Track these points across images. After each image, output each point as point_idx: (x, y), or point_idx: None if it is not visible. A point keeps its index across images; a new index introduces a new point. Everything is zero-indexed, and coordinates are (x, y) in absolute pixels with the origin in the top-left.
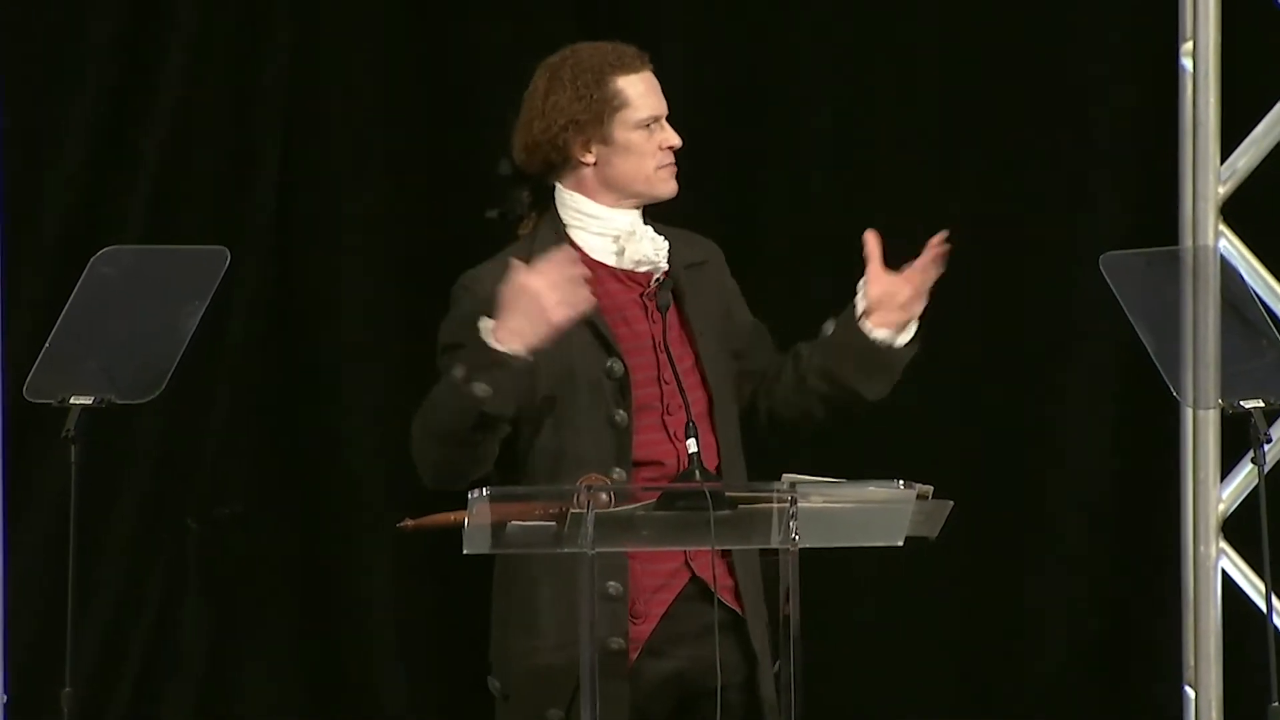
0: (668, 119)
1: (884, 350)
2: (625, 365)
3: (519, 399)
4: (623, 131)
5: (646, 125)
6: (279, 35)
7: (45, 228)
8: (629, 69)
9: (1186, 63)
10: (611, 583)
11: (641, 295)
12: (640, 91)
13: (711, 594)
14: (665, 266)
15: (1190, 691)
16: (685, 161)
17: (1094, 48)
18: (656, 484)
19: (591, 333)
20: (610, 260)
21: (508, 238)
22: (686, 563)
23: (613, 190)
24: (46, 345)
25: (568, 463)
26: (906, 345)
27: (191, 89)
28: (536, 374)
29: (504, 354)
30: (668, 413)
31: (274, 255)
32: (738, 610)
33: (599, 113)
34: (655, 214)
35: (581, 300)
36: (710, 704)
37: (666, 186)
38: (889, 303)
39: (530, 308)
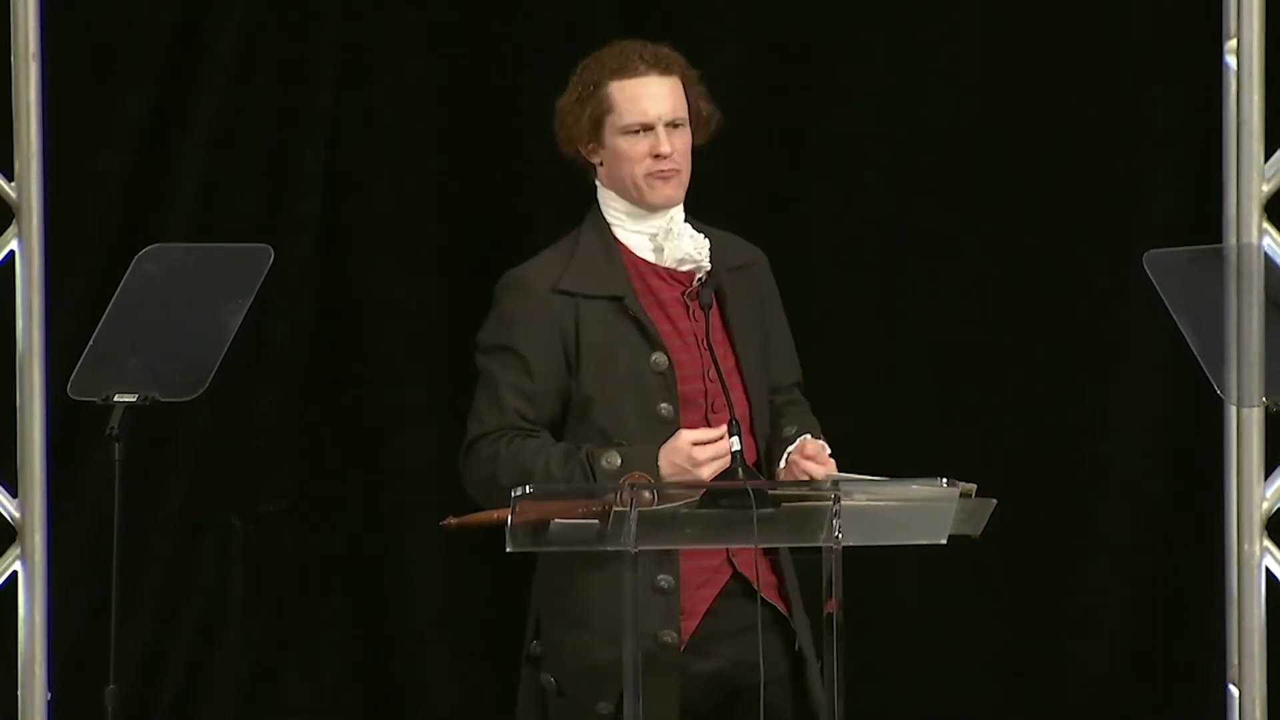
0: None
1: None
2: (670, 359)
3: None
4: (611, 136)
5: (634, 131)
6: (325, 34)
7: (90, 225)
8: (627, 73)
9: (1230, 61)
10: (663, 576)
11: (684, 293)
12: (628, 96)
13: (754, 591)
14: (708, 265)
15: (1234, 690)
16: (730, 161)
17: (1138, 46)
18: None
19: (636, 328)
20: (650, 257)
21: (552, 234)
22: (729, 559)
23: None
24: (90, 343)
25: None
26: None
27: (237, 87)
28: (569, 367)
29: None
30: (712, 410)
31: (318, 253)
32: (780, 608)
33: (593, 116)
34: (702, 214)
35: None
36: (753, 702)
37: (654, 194)
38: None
39: (683, 471)
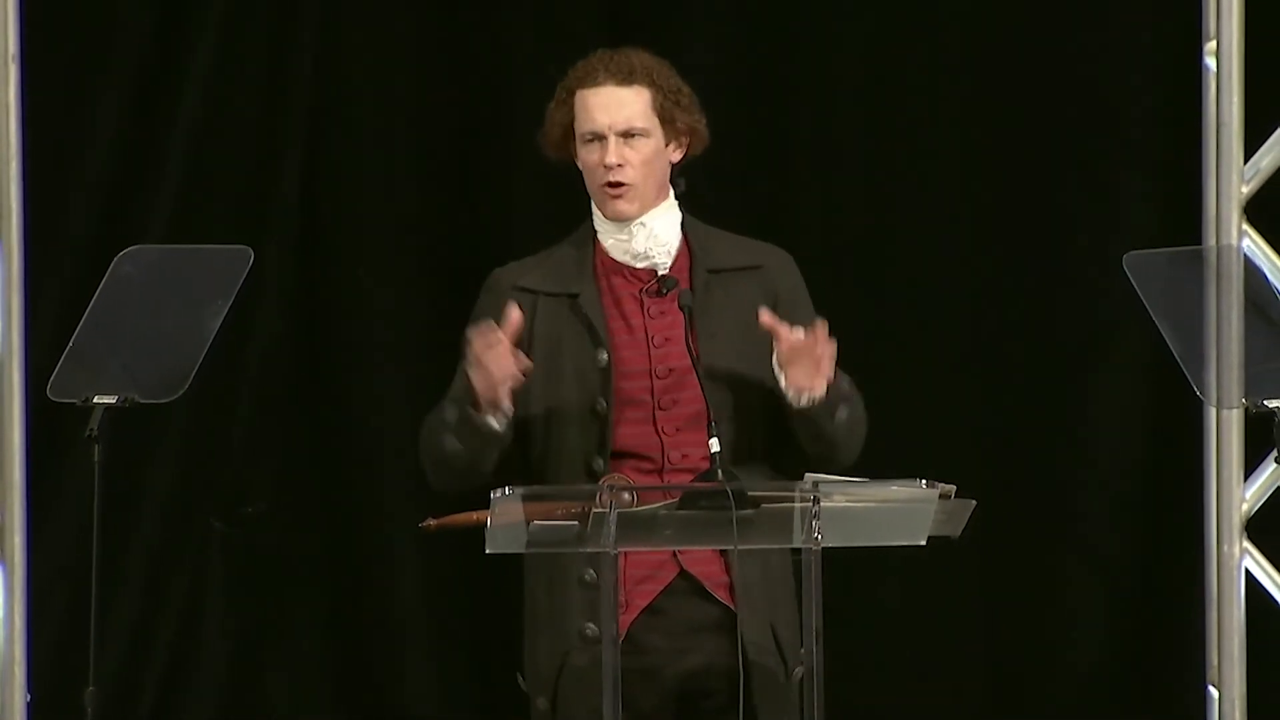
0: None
1: (801, 411)
2: (610, 357)
3: (498, 455)
4: (577, 145)
5: (589, 140)
6: (305, 35)
7: (69, 227)
8: (588, 83)
9: (1210, 62)
10: (589, 570)
11: (640, 291)
12: (585, 105)
13: (703, 590)
14: (663, 262)
15: (1213, 691)
16: (714, 160)
17: (1118, 47)
18: (654, 482)
19: (584, 325)
20: (618, 256)
21: (536, 237)
22: (675, 556)
23: None
24: (70, 344)
25: (553, 450)
26: (818, 407)
27: (216, 88)
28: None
29: (474, 418)
30: (660, 408)
31: (298, 255)
32: (731, 607)
33: (562, 124)
34: (707, 218)
35: (507, 365)
36: (694, 704)
37: (606, 208)
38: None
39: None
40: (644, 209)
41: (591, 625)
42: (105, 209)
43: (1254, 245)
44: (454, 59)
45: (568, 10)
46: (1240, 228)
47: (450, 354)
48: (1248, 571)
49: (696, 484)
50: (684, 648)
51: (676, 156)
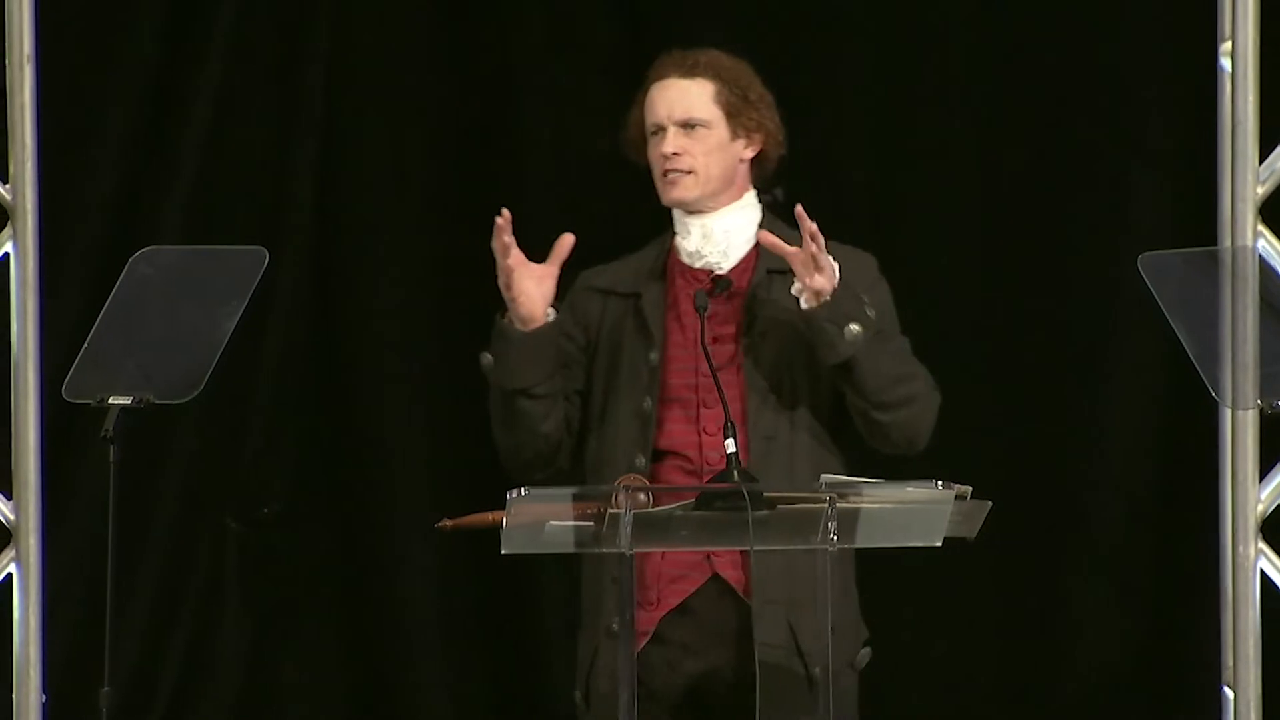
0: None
1: (808, 315)
2: (661, 356)
3: (536, 374)
4: (648, 137)
5: (654, 133)
6: (318, 37)
7: (85, 228)
8: (657, 78)
9: (1225, 63)
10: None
11: (695, 291)
12: (651, 100)
13: (734, 594)
14: (717, 262)
15: (1229, 692)
16: None
17: (1133, 47)
18: (690, 482)
19: (640, 325)
20: (680, 256)
21: (547, 239)
22: (708, 559)
23: None
24: (85, 345)
25: (605, 448)
26: (826, 312)
27: (231, 90)
28: (587, 359)
29: (501, 324)
30: (704, 406)
31: (313, 255)
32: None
33: (638, 121)
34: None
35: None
36: (712, 702)
37: (664, 195)
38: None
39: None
40: (704, 197)
41: (618, 621)
42: (120, 210)
43: (1269, 246)
44: (465, 61)
45: (578, 12)
46: (1255, 228)
47: (464, 354)
48: (1263, 572)
49: (712, 485)
50: (708, 647)
51: (748, 154)
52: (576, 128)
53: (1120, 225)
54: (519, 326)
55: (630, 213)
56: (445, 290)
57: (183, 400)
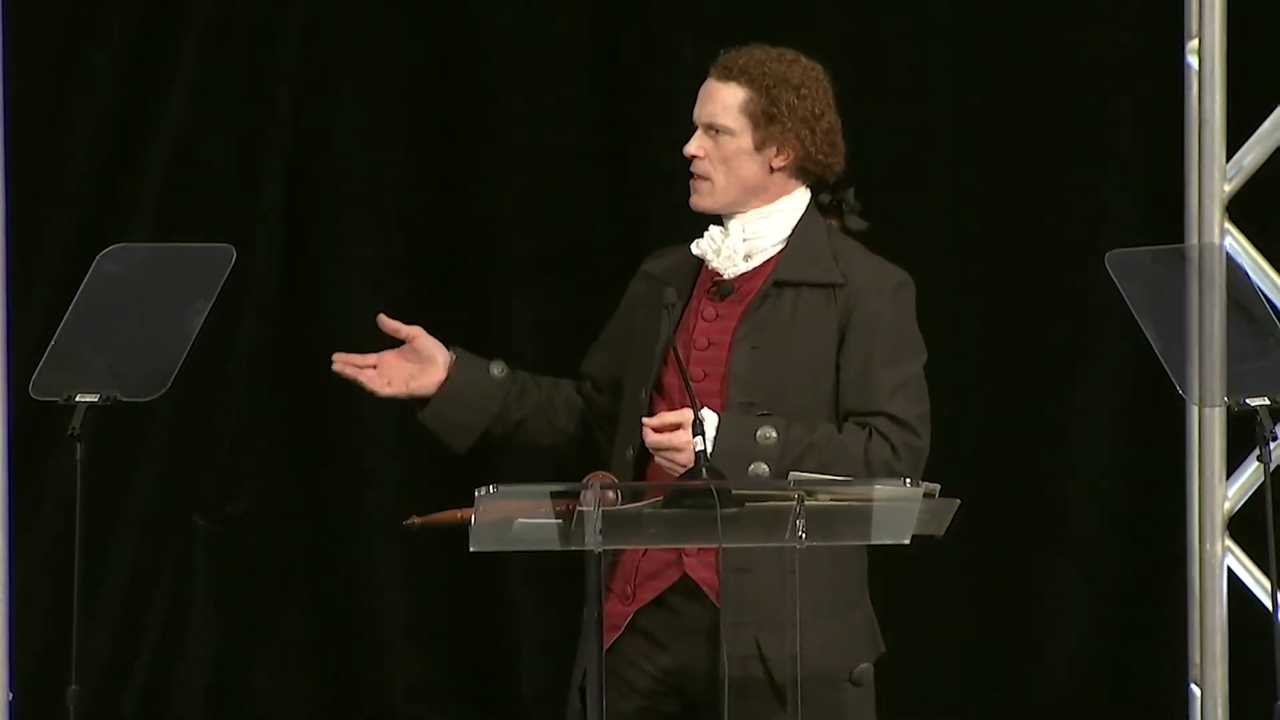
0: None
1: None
2: (663, 352)
3: (480, 424)
4: None
5: (695, 131)
6: (289, 33)
7: (52, 225)
8: (710, 74)
9: (1192, 60)
10: None
11: (705, 292)
12: (698, 96)
13: (700, 594)
14: (727, 269)
15: (1196, 689)
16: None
17: (1100, 45)
18: (663, 480)
19: (657, 318)
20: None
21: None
22: (680, 558)
23: None
24: (52, 343)
25: (619, 438)
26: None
27: (200, 87)
28: (625, 345)
29: (421, 418)
30: (682, 405)
31: (282, 254)
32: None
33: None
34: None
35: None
36: (679, 700)
37: (692, 198)
38: None
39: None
40: (719, 206)
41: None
42: (88, 207)
43: (1236, 243)
44: (438, 57)
45: (552, 9)
46: (1223, 226)
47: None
48: (1230, 569)
49: (681, 482)
50: (675, 645)
51: (780, 163)
52: (549, 123)
53: (1088, 223)
54: (430, 410)
55: (604, 207)
56: (416, 289)
57: (150, 398)
